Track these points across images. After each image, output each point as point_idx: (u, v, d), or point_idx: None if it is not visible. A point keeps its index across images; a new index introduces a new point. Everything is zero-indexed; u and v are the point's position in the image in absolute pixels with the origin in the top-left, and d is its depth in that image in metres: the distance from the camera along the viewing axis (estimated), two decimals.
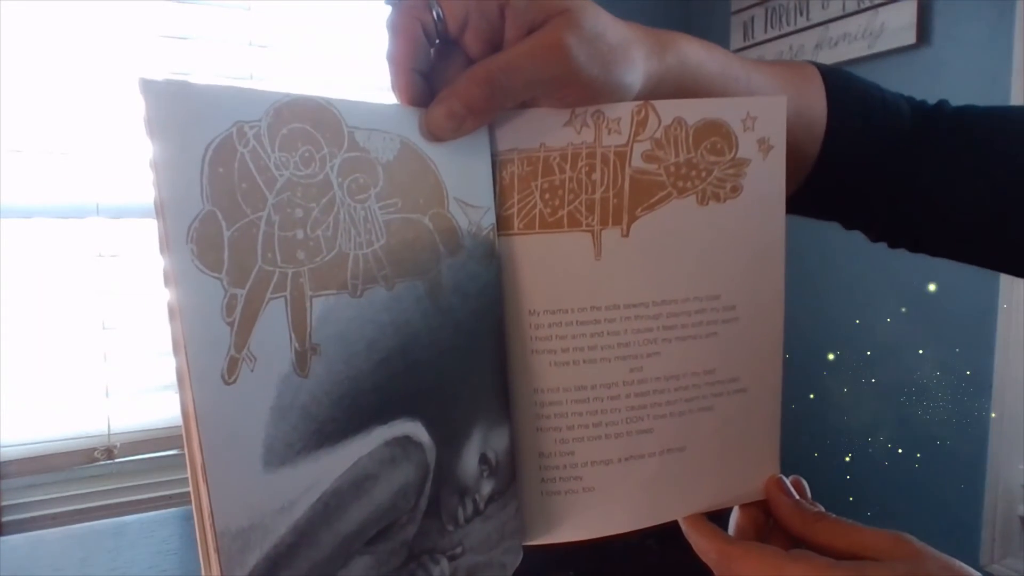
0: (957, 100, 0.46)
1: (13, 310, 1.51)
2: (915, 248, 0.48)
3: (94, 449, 1.59)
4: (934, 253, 0.47)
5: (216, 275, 0.26)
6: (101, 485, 1.62)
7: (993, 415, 1.51)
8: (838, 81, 0.44)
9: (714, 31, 2.16)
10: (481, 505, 0.35)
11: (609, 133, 0.36)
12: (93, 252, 1.57)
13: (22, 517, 1.54)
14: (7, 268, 1.51)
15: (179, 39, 1.64)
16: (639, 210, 0.37)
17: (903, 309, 1.68)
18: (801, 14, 1.86)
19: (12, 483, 1.55)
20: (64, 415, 1.57)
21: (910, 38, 1.61)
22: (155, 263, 0.26)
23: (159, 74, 0.29)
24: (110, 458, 1.60)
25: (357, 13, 1.78)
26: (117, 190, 1.57)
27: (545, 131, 0.35)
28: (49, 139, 1.54)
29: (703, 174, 0.37)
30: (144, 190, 0.26)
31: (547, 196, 0.36)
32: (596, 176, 0.36)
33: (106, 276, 1.58)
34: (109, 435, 1.60)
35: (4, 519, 1.52)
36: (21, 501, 1.56)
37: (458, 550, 0.34)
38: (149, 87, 0.25)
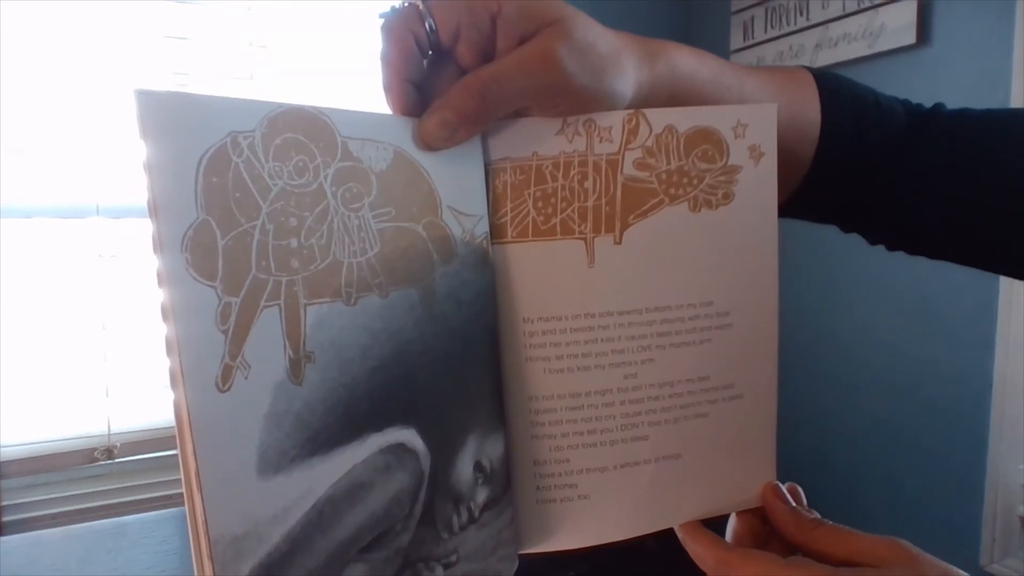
0: (957, 100, 0.46)
1: (13, 310, 1.51)
2: (913, 251, 0.48)
3: (94, 449, 1.60)
4: (932, 256, 0.47)
5: (210, 283, 0.26)
6: (101, 485, 1.63)
7: (993, 415, 1.51)
8: (831, 85, 0.44)
9: (714, 31, 2.16)
10: (476, 512, 0.35)
11: (601, 141, 0.36)
12: (93, 252, 1.58)
13: (22, 517, 1.54)
14: (7, 268, 1.51)
15: (179, 39, 1.64)
16: (631, 217, 0.37)
17: (902, 309, 1.68)
18: (801, 14, 1.86)
19: (12, 483, 1.55)
20: (64, 415, 1.57)
21: (910, 38, 1.60)
22: (154, 269, 0.26)
23: (154, 84, 0.29)
24: (110, 458, 1.61)
25: (357, 13, 1.77)
26: (117, 190, 1.58)
27: (537, 140, 0.36)
28: (49, 139, 1.54)
29: (695, 181, 0.37)
30: (142, 197, 0.27)
31: (540, 204, 0.36)
32: (588, 184, 0.36)
33: (106, 276, 1.58)
34: (109, 435, 1.60)
35: (4, 519, 1.52)
36: (21, 501, 1.56)
37: (453, 558, 0.34)
38: (144, 97, 0.25)
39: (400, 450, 0.32)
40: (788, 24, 1.90)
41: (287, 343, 0.28)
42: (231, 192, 0.27)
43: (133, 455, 1.64)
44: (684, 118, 0.37)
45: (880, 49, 1.66)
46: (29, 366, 1.54)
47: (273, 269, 0.28)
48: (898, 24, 1.62)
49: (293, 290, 0.29)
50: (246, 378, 0.27)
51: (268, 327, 0.28)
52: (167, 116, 0.26)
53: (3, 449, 1.52)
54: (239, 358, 0.27)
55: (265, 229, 0.28)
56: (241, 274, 0.27)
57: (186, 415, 0.26)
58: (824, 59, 1.80)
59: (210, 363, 0.26)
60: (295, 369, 0.28)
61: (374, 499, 0.31)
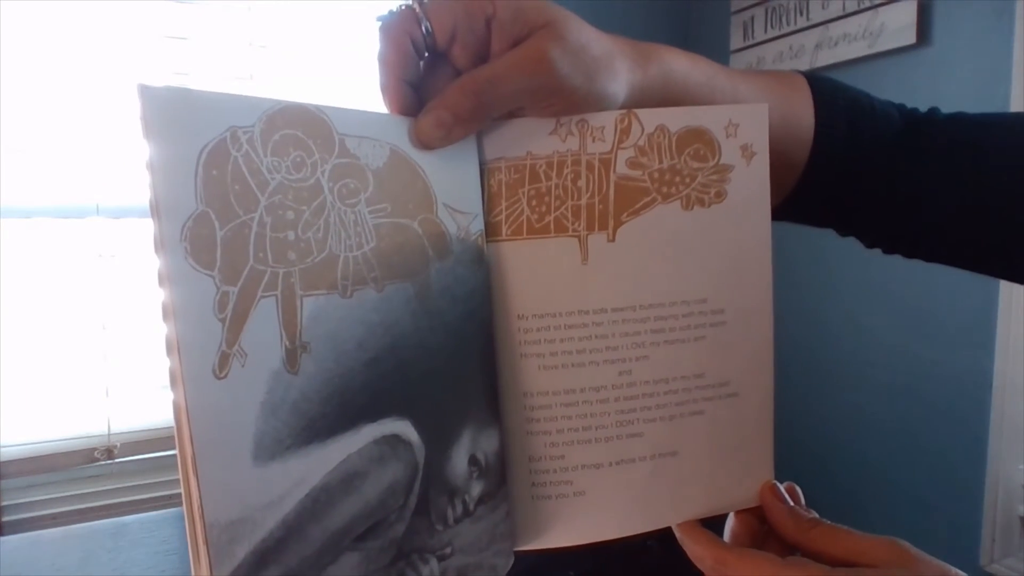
0: (957, 100, 0.46)
1: (13, 310, 1.51)
2: (909, 254, 0.48)
3: (94, 449, 1.60)
4: (928, 259, 0.47)
5: (209, 273, 0.27)
6: (101, 485, 1.63)
7: (993, 415, 1.51)
8: (825, 89, 0.44)
9: (714, 31, 2.16)
10: (471, 506, 0.35)
11: (593, 141, 0.37)
12: (93, 252, 1.58)
13: (22, 517, 1.54)
14: (7, 268, 1.51)
15: (179, 39, 1.65)
16: (625, 215, 0.37)
17: (903, 309, 1.68)
18: (801, 14, 1.86)
19: (12, 483, 1.55)
20: (64, 415, 1.58)
21: (910, 38, 1.60)
22: (154, 263, 0.26)
23: (157, 79, 0.30)
24: (110, 458, 1.61)
25: (356, 14, 1.78)
26: (117, 190, 1.58)
27: (531, 140, 0.36)
28: (50, 139, 1.54)
29: (687, 180, 0.38)
30: (143, 191, 0.27)
31: (534, 203, 0.36)
32: (582, 183, 0.37)
33: (106, 276, 1.59)
34: (109, 435, 1.60)
35: (4, 519, 1.53)
36: (21, 501, 1.56)
37: (448, 550, 0.34)
38: (147, 92, 0.26)
39: (395, 441, 0.32)
40: (788, 24, 1.90)
41: (284, 333, 0.29)
42: (230, 185, 0.28)
43: (133, 455, 1.64)
44: (676, 118, 0.37)
45: (880, 49, 1.67)
46: (29, 366, 1.54)
47: (270, 260, 0.29)
48: (898, 24, 1.62)
49: (290, 282, 0.29)
50: (243, 366, 0.27)
51: (265, 317, 0.28)
52: (169, 110, 0.27)
53: (3, 449, 1.52)
54: (236, 346, 0.27)
55: (263, 221, 0.28)
56: (239, 264, 0.28)
57: (183, 401, 0.26)
58: (824, 59, 1.80)
59: (207, 350, 0.27)
60: (291, 359, 0.29)
61: (368, 489, 0.31)
